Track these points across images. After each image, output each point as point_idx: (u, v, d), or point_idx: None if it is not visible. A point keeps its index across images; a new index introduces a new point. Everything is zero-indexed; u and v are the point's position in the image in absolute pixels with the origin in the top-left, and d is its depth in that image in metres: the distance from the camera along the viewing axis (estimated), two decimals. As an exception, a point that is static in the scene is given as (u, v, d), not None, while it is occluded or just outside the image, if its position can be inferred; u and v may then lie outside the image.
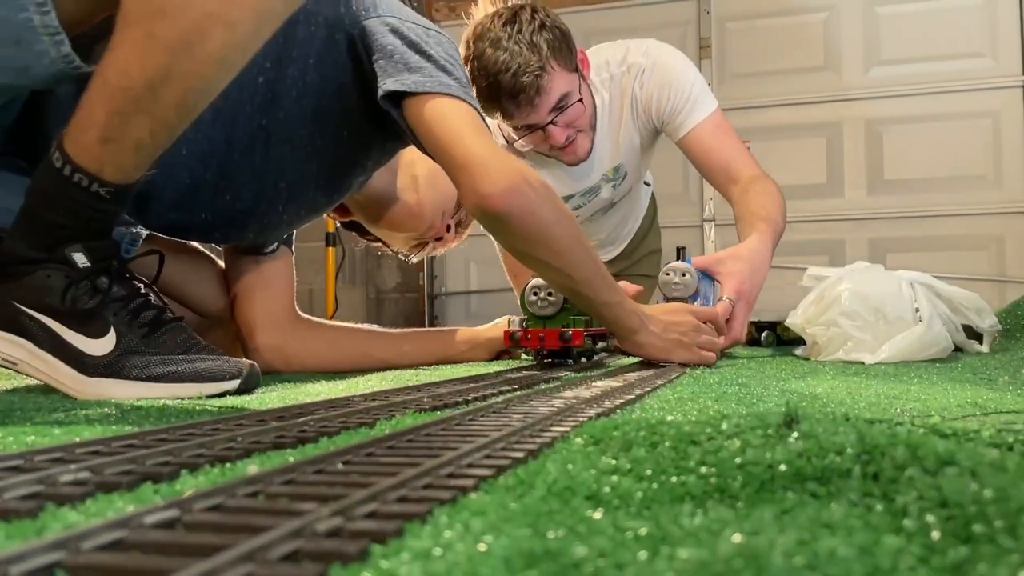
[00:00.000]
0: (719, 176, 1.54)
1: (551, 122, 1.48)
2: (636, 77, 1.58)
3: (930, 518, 0.29)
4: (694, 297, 1.24)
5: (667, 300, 1.24)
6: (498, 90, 1.42)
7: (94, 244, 0.80)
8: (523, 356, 1.28)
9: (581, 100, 1.50)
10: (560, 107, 1.48)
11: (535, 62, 1.41)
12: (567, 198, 1.69)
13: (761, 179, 1.48)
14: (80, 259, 0.79)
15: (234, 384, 0.84)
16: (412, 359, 1.26)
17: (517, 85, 1.41)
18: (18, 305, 0.79)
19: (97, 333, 0.81)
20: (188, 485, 0.37)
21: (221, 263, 1.26)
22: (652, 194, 2.01)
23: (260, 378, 0.88)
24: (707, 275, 1.31)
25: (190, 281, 1.22)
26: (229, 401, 0.78)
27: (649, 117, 1.60)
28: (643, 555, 0.25)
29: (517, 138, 1.53)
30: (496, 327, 1.34)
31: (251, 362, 0.86)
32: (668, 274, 1.25)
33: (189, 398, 0.81)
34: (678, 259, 1.28)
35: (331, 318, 2.95)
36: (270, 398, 0.80)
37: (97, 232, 0.80)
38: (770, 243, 1.37)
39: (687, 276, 1.24)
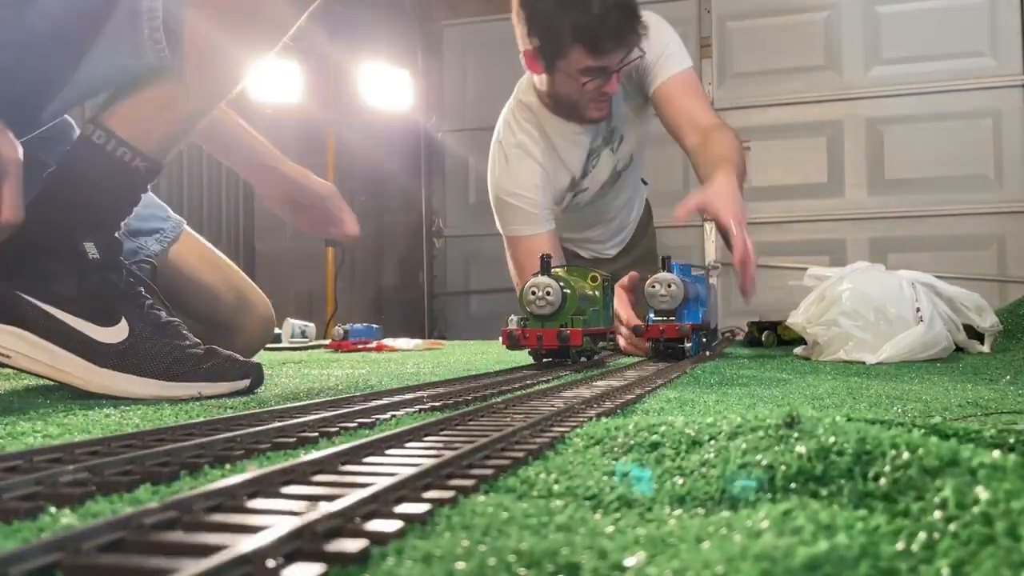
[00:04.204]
0: (682, 127, 1.57)
1: (618, 69, 1.52)
2: None
3: (931, 519, 0.29)
4: (682, 307, 1.21)
5: (655, 312, 1.22)
6: (606, 23, 1.45)
7: (104, 238, 0.81)
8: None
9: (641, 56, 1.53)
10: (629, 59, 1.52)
11: (638, 10, 1.49)
12: (578, 190, 1.71)
13: (720, 128, 1.52)
14: (91, 249, 0.79)
15: (244, 383, 0.84)
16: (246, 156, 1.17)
17: (624, 26, 1.46)
18: (20, 295, 0.77)
19: (109, 322, 0.80)
20: (187, 485, 0.37)
21: (226, 269, 1.25)
22: (647, 198, 2.03)
23: (264, 378, 0.89)
24: (699, 277, 1.31)
25: (189, 292, 1.21)
26: (228, 401, 0.78)
27: (630, 73, 1.62)
28: (643, 556, 0.25)
29: (584, 81, 1.52)
30: (325, 185, 1.19)
31: (258, 363, 0.86)
32: (654, 286, 1.21)
33: (198, 398, 0.80)
34: (664, 270, 1.24)
35: (331, 318, 2.95)
36: (270, 398, 0.80)
37: (109, 219, 0.82)
38: (735, 179, 1.37)
39: (673, 287, 1.20)
